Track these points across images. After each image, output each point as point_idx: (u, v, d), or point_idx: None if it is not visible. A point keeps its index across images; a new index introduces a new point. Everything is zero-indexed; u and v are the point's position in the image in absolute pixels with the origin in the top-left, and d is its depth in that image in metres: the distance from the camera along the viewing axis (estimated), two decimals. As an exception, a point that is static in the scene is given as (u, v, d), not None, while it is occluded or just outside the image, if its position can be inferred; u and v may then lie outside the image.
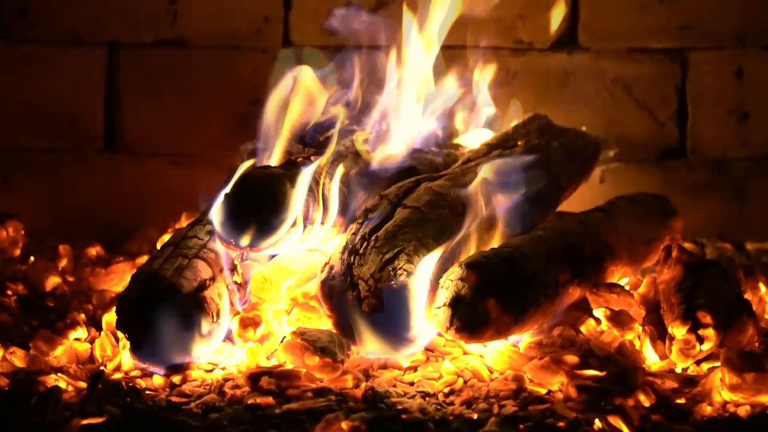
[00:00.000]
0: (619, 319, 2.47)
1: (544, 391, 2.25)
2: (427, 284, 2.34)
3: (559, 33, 3.37)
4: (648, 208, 2.86)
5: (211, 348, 2.40)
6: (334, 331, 2.36)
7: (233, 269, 2.49)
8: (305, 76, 2.68)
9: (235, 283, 2.48)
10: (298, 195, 2.39)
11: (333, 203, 2.51)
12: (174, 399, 2.24)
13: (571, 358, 2.28)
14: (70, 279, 2.95)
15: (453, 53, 3.00)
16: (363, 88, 2.82)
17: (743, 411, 2.18)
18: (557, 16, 3.29)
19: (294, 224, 2.40)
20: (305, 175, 2.42)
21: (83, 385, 2.27)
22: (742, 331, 2.40)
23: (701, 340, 2.34)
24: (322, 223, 2.48)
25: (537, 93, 3.34)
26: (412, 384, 2.30)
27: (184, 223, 3.01)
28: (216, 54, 3.40)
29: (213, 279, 2.41)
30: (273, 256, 2.54)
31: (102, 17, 3.39)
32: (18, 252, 3.09)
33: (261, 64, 3.38)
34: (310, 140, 2.66)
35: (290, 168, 2.45)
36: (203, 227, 2.50)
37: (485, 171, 2.52)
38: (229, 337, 2.45)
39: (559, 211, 2.86)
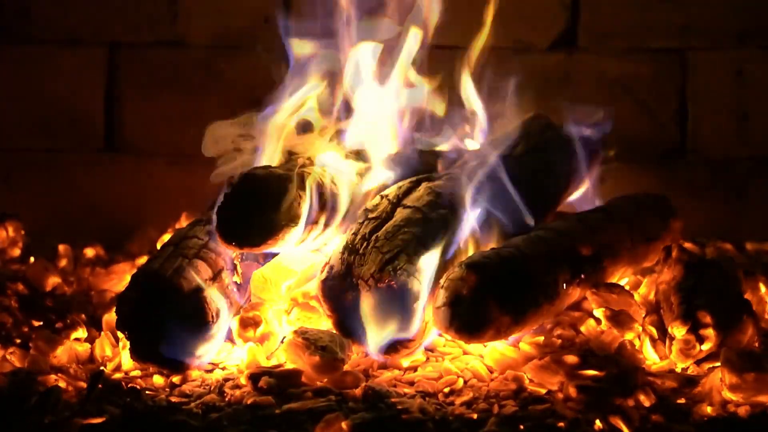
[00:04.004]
0: (619, 319, 2.47)
1: (544, 391, 2.25)
2: (428, 284, 2.34)
3: (558, 33, 3.37)
4: (648, 208, 2.85)
5: (211, 348, 2.40)
6: (335, 331, 2.36)
7: (233, 269, 2.49)
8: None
9: (235, 283, 2.48)
10: (299, 195, 2.39)
11: (333, 203, 2.50)
12: (174, 399, 2.24)
13: (571, 358, 2.28)
14: (70, 279, 2.95)
15: (453, 53, 3.00)
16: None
17: (743, 411, 2.17)
18: (557, 16, 3.29)
19: (295, 224, 2.40)
20: (306, 175, 2.42)
21: (83, 385, 2.27)
22: (742, 331, 2.40)
23: (701, 340, 2.34)
24: (323, 223, 2.48)
25: (537, 93, 3.33)
26: (412, 384, 2.30)
27: (184, 223, 3.01)
28: (216, 54, 3.40)
29: (213, 279, 2.41)
30: (273, 256, 2.54)
31: (102, 17, 3.39)
32: (18, 252, 3.09)
33: (261, 64, 3.38)
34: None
35: (291, 168, 2.45)
36: (203, 227, 2.50)
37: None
38: (229, 337, 2.45)
39: (559, 211, 2.86)
